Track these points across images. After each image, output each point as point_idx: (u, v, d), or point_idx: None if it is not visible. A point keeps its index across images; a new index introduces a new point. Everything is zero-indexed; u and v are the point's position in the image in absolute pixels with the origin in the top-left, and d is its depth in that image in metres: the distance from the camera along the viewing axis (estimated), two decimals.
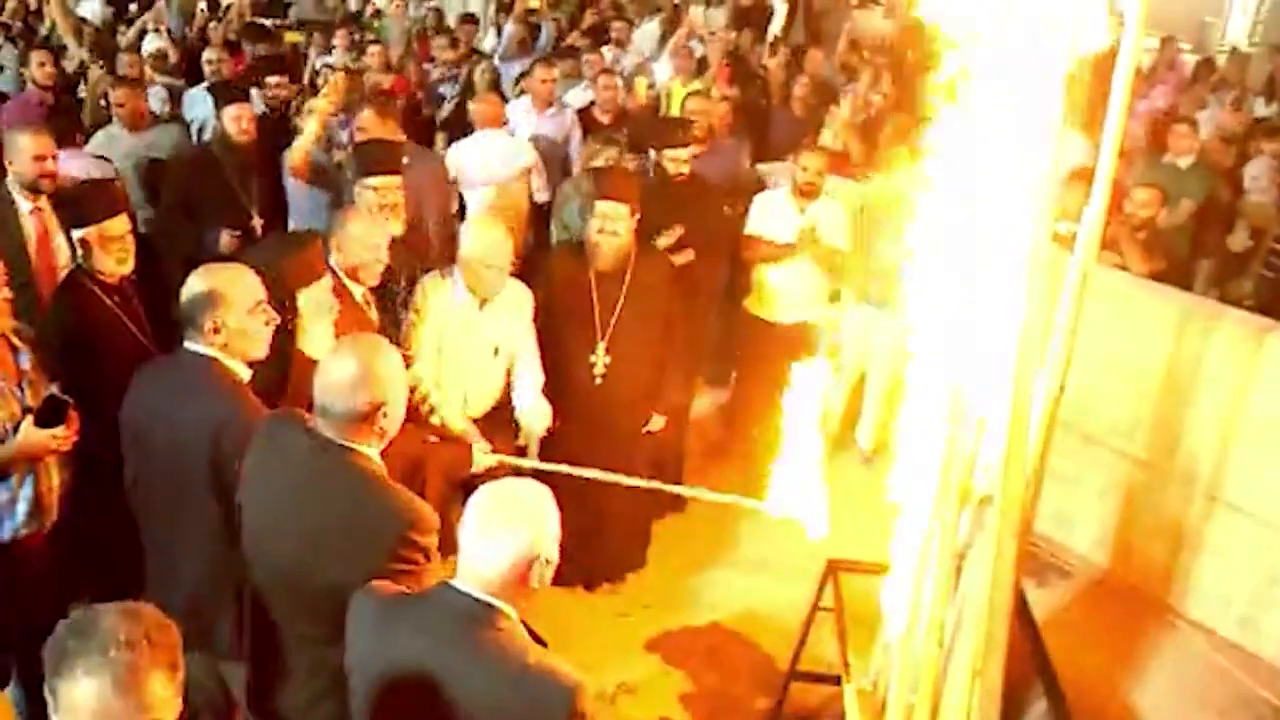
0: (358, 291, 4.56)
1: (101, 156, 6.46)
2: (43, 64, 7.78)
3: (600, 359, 5.15)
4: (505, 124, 7.40)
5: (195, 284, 3.50)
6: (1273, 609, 5.09)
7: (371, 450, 3.01)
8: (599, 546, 5.32)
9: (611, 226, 5.07)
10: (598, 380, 5.17)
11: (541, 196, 7.15)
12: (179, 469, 3.43)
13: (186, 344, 3.51)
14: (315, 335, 4.10)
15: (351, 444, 2.97)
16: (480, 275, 4.75)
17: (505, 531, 2.49)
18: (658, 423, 5.46)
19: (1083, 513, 5.67)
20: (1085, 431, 5.43)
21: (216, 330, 3.44)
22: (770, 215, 6.25)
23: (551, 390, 5.03)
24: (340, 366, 2.94)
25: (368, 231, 4.56)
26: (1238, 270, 7.83)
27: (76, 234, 4.40)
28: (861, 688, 3.66)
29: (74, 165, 5.93)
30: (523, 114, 7.99)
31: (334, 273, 4.40)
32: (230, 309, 3.45)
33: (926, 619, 3.37)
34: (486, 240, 4.77)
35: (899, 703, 3.48)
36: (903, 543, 3.54)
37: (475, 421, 4.87)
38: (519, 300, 4.98)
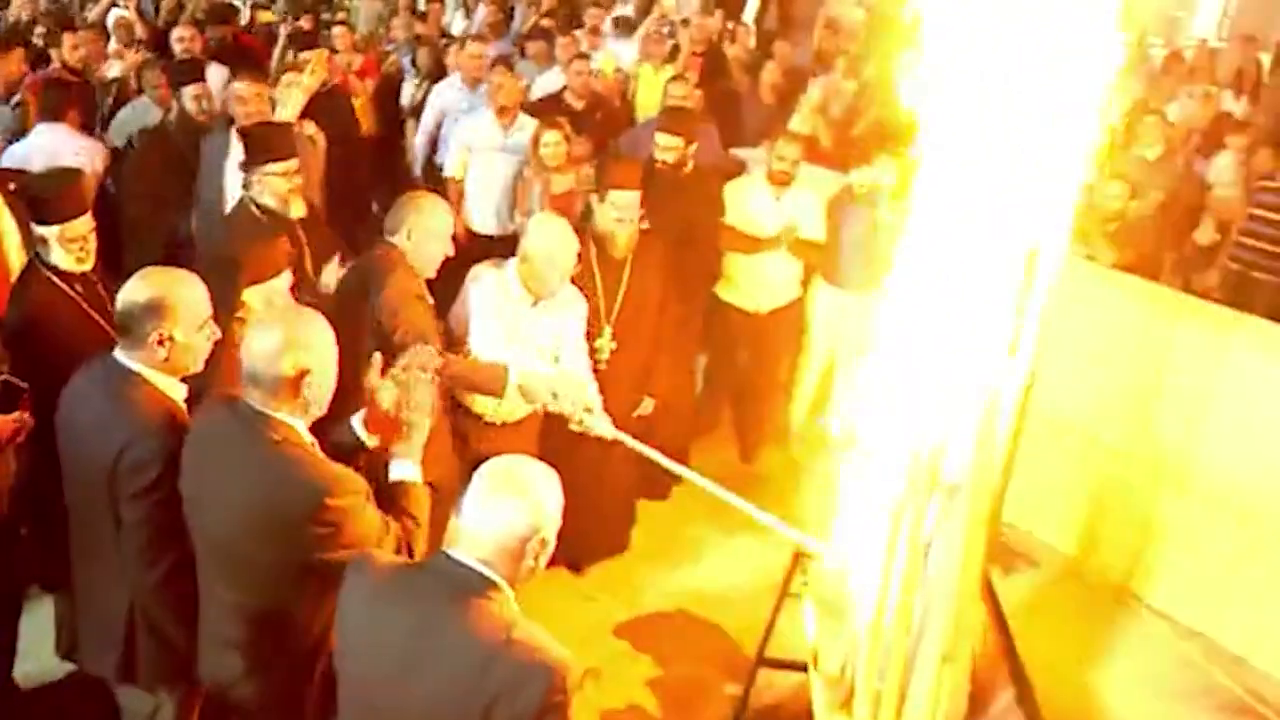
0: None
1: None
2: (76, 46, 7.62)
3: (606, 343, 5.13)
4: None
5: (140, 290, 3.22)
6: (1235, 597, 5.14)
7: (295, 420, 3.00)
8: (588, 529, 5.32)
9: (629, 215, 5.08)
10: (601, 365, 5.12)
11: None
12: (84, 483, 3.29)
13: (118, 354, 3.27)
14: None
15: (273, 413, 2.96)
16: (543, 274, 4.64)
17: (507, 504, 2.51)
18: (648, 406, 5.45)
19: (1050, 501, 5.70)
20: (1054, 420, 5.45)
21: (161, 343, 3.21)
22: (745, 203, 6.23)
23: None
24: (267, 333, 2.97)
25: (444, 224, 4.42)
26: (1204, 263, 7.88)
27: (36, 230, 4.18)
28: (829, 674, 3.65)
29: (51, 141, 5.91)
30: (454, 92, 8.00)
31: (401, 257, 4.32)
32: (179, 323, 3.22)
33: (895, 606, 3.37)
34: (556, 239, 4.64)
35: (867, 689, 3.49)
36: (871, 529, 3.54)
37: (505, 428, 4.81)
38: (572, 303, 4.88)
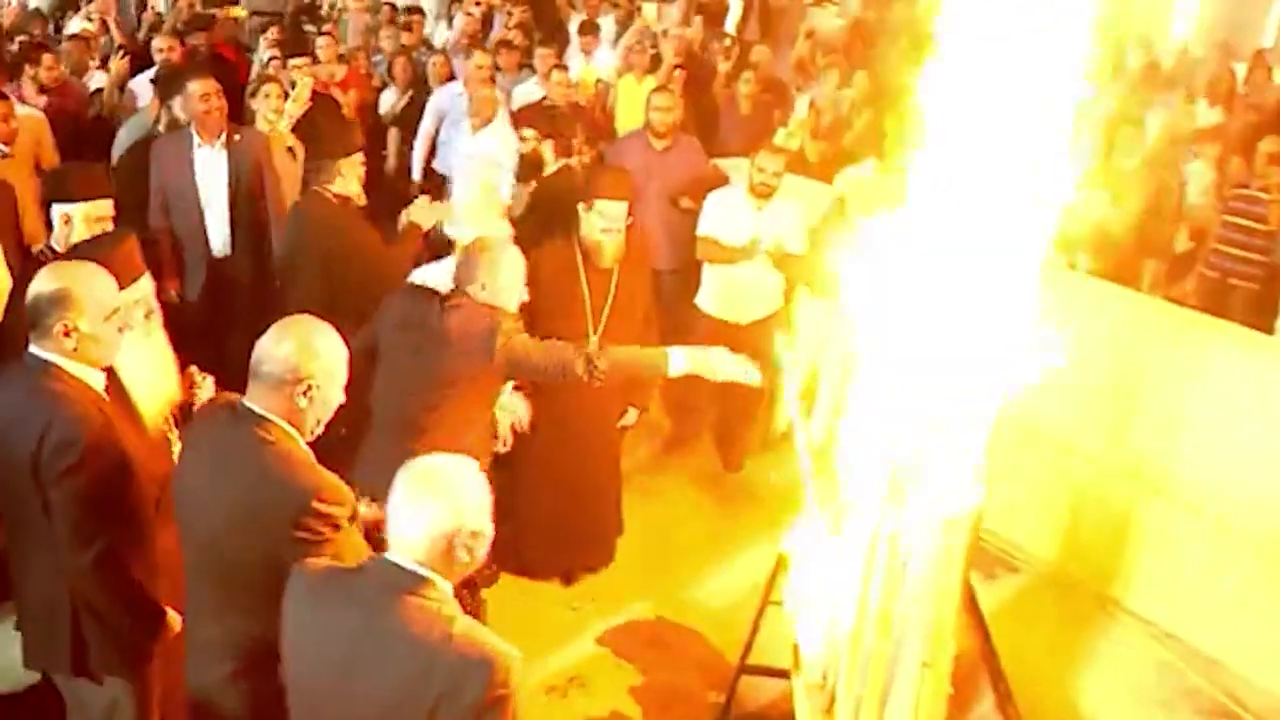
0: None
1: None
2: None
3: None
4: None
5: (46, 282, 3.22)
6: (1211, 601, 5.18)
7: (292, 430, 3.01)
8: (577, 542, 5.38)
9: (616, 225, 5.07)
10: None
11: None
12: (10, 479, 3.25)
13: (32, 348, 3.25)
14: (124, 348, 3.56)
15: (270, 416, 2.98)
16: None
17: (427, 503, 2.54)
18: (631, 416, 5.49)
19: (1029, 507, 5.73)
20: (1032, 427, 5.49)
21: (67, 334, 3.19)
22: (725, 214, 6.23)
23: (537, 386, 5.01)
24: (281, 333, 3.01)
25: (520, 270, 4.33)
26: (1182, 270, 7.95)
27: (61, 210, 4.24)
28: (811, 681, 3.67)
29: None
30: (452, 98, 8.10)
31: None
32: (83, 313, 3.20)
33: (875, 612, 3.40)
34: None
35: (848, 696, 3.51)
36: (852, 536, 3.57)
37: None
38: None
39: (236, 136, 6.11)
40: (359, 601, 2.56)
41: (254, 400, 3.00)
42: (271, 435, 2.97)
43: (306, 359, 2.97)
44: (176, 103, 6.32)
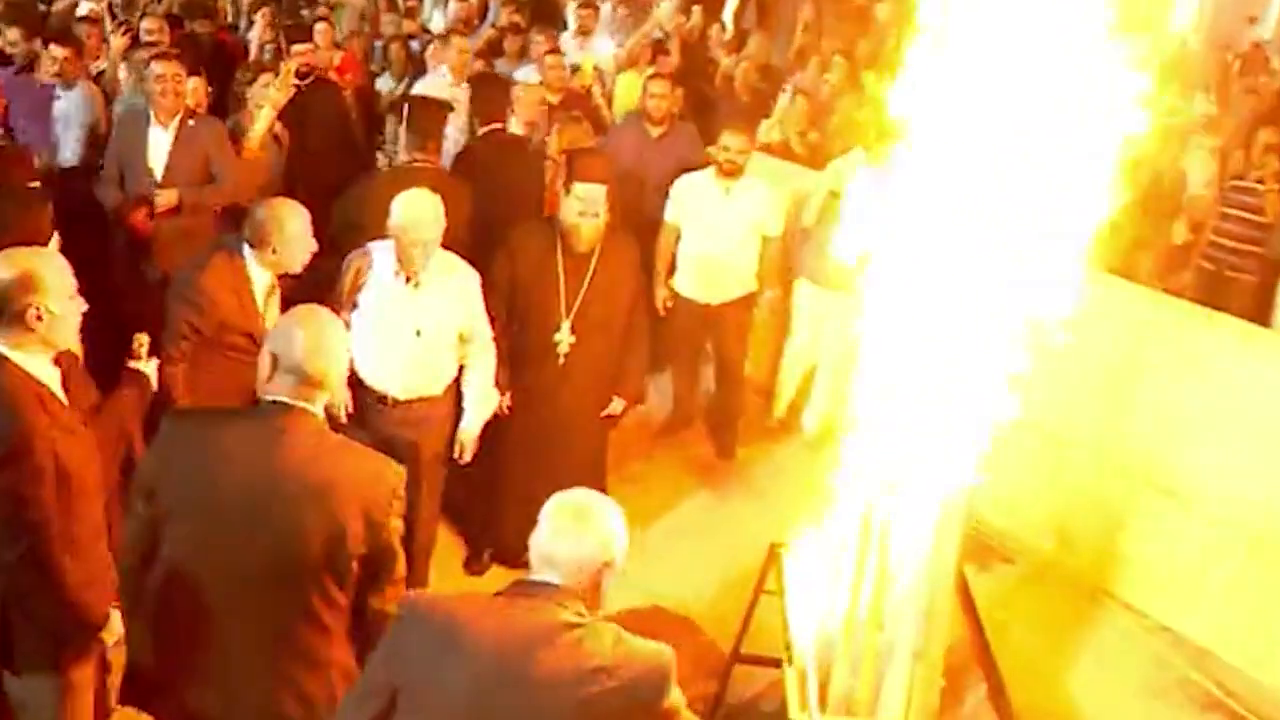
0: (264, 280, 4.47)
1: None
2: None
3: (565, 338, 5.09)
4: None
5: (7, 268, 3.14)
6: (1203, 593, 5.19)
7: (315, 408, 3.02)
8: None
9: (593, 208, 5.00)
10: (561, 360, 5.11)
11: None
12: None
13: None
14: None
15: (299, 403, 2.98)
16: (404, 249, 4.54)
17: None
18: (618, 406, 5.44)
19: (1025, 498, 5.72)
20: (1029, 418, 5.47)
21: (40, 317, 3.12)
22: (691, 197, 6.23)
23: (513, 368, 5.04)
24: (299, 327, 3.02)
25: (305, 227, 4.42)
26: (1179, 262, 7.93)
27: None
28: (803, 670, 3.67)
29: None
30: (443, 85, 8.03)
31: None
32: (50, 294, 3.14)
33: (867, 602, 3.39)
34: (412, 212, 4.51)
35: (840, 686, 3.50)
36: (845, 526, 3.56)
37: (411, 404, 4.73)
38: (458, 282, 4.72)
39: (190, 122, 6.00)
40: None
41: (281, 393, 2.99)
42: (318, 424, 3.02)
43: (321, 353, 2.99)
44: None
